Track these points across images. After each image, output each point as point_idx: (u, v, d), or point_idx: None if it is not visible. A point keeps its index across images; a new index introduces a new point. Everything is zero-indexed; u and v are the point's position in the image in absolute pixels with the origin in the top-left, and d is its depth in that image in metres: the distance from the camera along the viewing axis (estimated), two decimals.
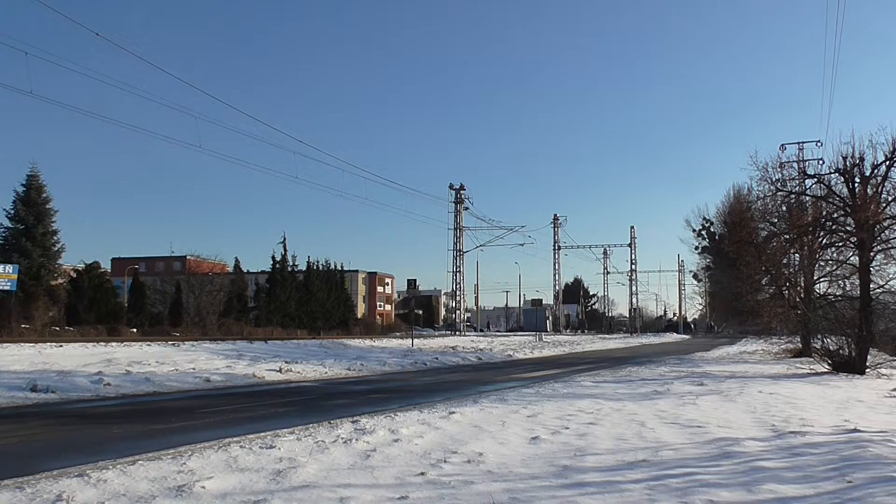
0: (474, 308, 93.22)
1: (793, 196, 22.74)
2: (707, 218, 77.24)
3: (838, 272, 22.54)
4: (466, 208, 56.48)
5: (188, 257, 60.60)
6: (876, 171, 19.35)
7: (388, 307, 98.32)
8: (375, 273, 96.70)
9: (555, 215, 76.31)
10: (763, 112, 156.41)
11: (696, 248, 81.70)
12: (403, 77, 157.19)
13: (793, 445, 7.34)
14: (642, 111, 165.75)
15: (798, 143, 37.29)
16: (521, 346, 38.39)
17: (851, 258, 20.99)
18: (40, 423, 9.63)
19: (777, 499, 5.17)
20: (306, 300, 50.82)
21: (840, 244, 21.71)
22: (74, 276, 40.02)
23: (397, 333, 54.74)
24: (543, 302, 72.90)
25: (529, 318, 76.60)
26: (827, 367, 19.81)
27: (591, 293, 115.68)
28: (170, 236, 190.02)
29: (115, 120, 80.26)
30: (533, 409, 10.46)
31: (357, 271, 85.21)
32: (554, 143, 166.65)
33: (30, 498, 5.05)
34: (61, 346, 22.12)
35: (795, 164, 30.35)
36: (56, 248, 36.67)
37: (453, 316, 65.49)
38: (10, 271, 28.52)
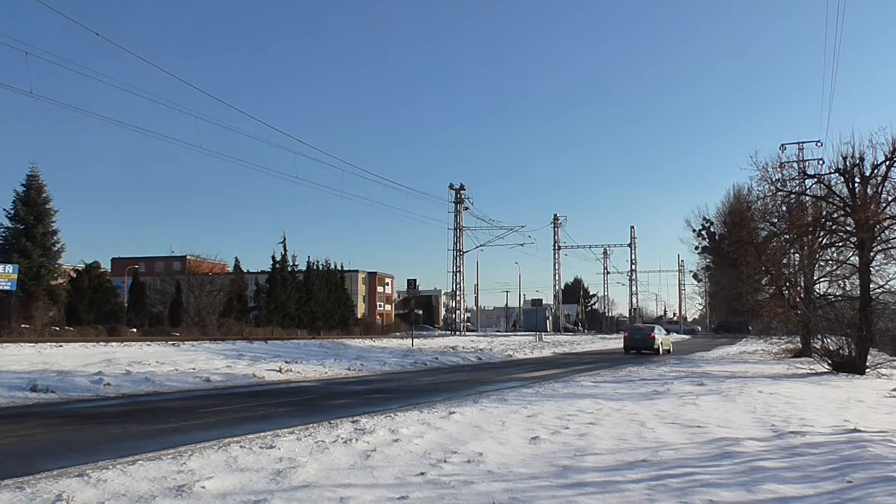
0: (474, 308, 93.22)
1: (793, 196, 22.75)
2: (707, 218, 77.38)
3: (838, 272, 22.56)
4: (466, 208, 56.43)
5: (188, 257, 60.66)
6: (876, 171, 19.37)
7: (388, 307, 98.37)
8: (375, 273, 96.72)
9: (555, 215, 76.31)
10: (763, 112, 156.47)
11: (696, 248, 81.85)
12: (404, 79, 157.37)
13: (793, 445, 7.34)
14: (644, 114, 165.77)
15: (798, 143, 37.41)
16: (521, 346, 38.39)
17: (851, 258, 21.00)
18: (40, 423, 9.62)
19: (777, 499, 5.17)
20: (306, 300, 50.86)
21: (840, 244, 21.72)
22: (74, 276, 40.07)
23: (397, 333, 54.76)
24: (543, 302, 72.92)
25: (529, 318, 76.58)
26: (827, 367, 19.82)
27: (591, 293, 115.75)
28: (170, 236, 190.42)
29: (116, 120, 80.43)
30: (533, 409, 10.46)
31: (357, 271, 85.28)
32: (554, 144, 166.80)
33: (30, 498, 5.04)
34: (61, 346, 22.13)
35: (795, 164, 30.36)
36: (56, 248, 36.73)
37: (453, 316, 65.45)
38: (10, 271, 28.55)
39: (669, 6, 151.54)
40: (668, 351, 33.86)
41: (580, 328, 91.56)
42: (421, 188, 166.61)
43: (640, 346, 32.62)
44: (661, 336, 33.52)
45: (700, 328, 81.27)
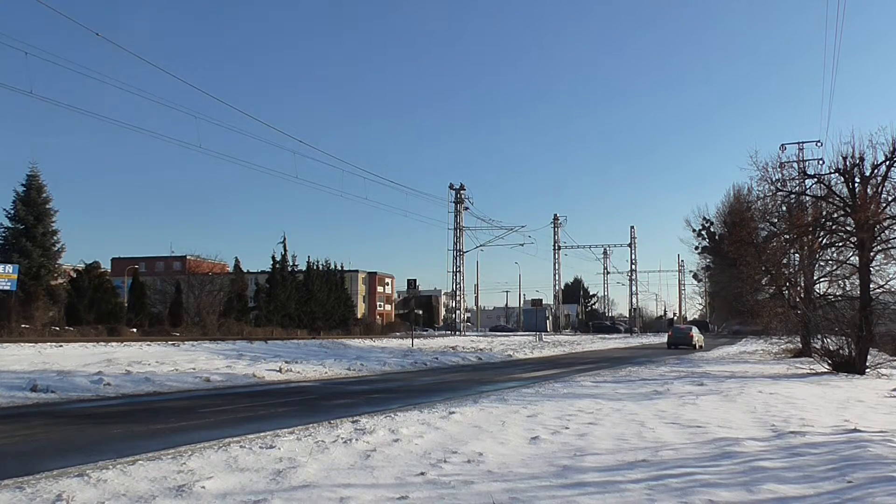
0: (474, 308, 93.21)
1: (793, 196, 22.76)
2: (707, 218, 77.32)
3: (838, 272, 22.56)
4: (466, 208, 56.49)
5: (188, 257, 60.64)
6: (876, 171, 19.36)
7: (388, 307, 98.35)
8: (375, 273, 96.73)
9: (555, 215, 76.36)
10: (763, 113, 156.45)
11: (696, 248, 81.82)
12: (405, 79, 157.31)
13: (793, 445, 7.34)
14: (645, 115, 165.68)
15: (798, 143, 37.52)
16: (521, 346, 38.39)
17: (851, 258, 21.00)
18: (40, 423, 9.62)
19: (777, 499, 5.17)
20: (306, 300, 50.82)
21: (840, 244, 21.72)
22: (74, 276, 39.99)
23: (397, 333, 54.73)
24: (543, 302, 72.85)
25: (529, 318, 76.52)
26: (827, 367, 19.81)
27: (591, 293, 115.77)
28: (170, 236, 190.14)
29: (116, 120, 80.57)
30: (533, 409, 10.46)
31: (357, 271, 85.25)
32: (555, 145, 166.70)
33: (30, 498, 5.05)
34: (61, 346, 22.12)
35: (795, 164, 30.38)
36: (56, 248, 36.66)
37: (453, 316, 65.46)
38: (10, 271, 28.51)
39: (669, 9, 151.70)
40: (701, 346, 41.66)
41: (629, 328, 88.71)
42: (421, 188, 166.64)
43: (680, 342, 40.72)
44: (696, 335, 42.11)
45: (721, 326, 79.17)
